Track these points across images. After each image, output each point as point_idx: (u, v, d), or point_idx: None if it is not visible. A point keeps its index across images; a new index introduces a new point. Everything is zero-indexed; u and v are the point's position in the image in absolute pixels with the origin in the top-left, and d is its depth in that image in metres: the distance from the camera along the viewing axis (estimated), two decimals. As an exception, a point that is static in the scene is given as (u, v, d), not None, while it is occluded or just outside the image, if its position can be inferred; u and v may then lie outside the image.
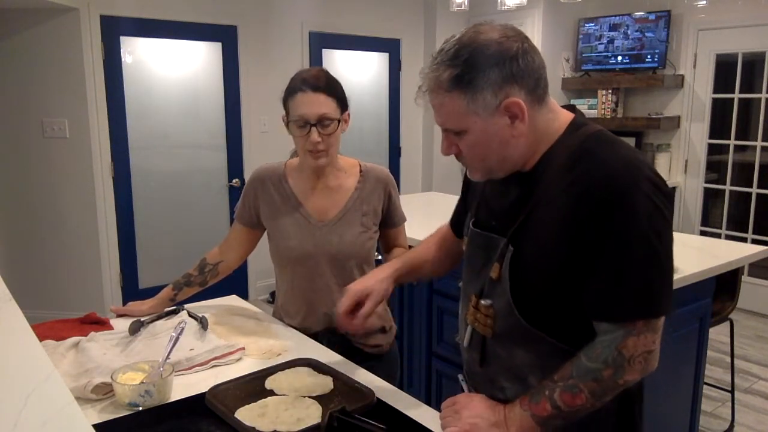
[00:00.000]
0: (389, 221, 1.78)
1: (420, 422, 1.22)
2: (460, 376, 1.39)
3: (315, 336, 1.71)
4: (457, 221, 1.46)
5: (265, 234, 1.82)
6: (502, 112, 1.06)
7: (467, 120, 1.08)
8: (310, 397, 1.30)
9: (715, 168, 4.89)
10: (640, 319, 1.04)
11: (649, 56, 4.90)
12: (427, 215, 3.33)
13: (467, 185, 1.40)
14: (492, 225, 1.20)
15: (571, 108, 1.20)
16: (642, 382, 1.19)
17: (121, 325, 1.69)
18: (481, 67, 1.04)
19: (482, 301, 1.19)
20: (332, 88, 1.62)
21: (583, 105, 5.20)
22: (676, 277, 2.13)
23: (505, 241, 1.14)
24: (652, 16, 4.84)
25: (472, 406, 1.18)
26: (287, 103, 1.64)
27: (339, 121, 1.62)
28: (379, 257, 1.86)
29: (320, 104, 1.58)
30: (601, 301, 1.06)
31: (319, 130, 1.58)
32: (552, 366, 1.12)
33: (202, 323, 1.66)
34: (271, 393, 1.33)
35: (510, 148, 1.11)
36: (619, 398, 1.13)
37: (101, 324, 1.72)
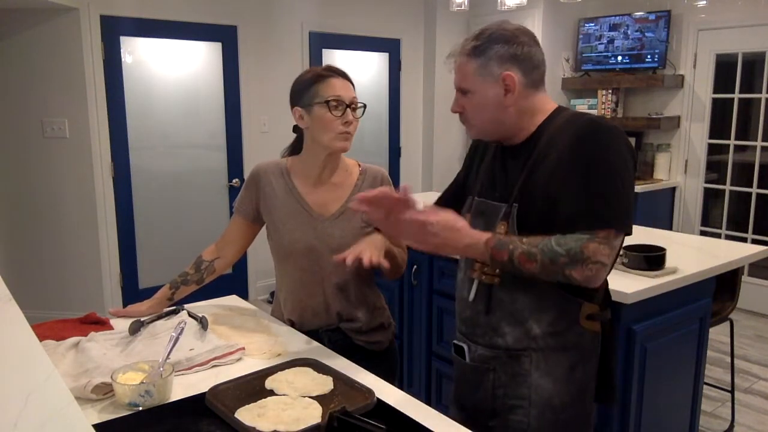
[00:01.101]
0: None
1: (420, 422, 1.22)
2: (455, 342, 1.54)
3: (315, 334, 1.71)
4: (447, 199, 1.66)
5: (263, 231, 1.83)
6: (501, 83, 1.36)
7: (475, 82, 1.38)
8: (310, 397, 1.30)
9: (715, 168, 4.89)
10: (604, 228, 1.27)
11: (649, 56, 4.90)
12: (427, 215, 3.33)
13: (467, 172, 1.60)
14: (495, 195, 1.43)
15: None
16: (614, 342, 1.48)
17: (121, 325, 1.68)
18: (495, 42, 1.36)
19: None
20: (353, 83, 1.73)
21: (583, 105, 5.20)
22: (675, 277, 2.13)
23: (507, 204, 1.38)
24: (652, 16, 4.84)
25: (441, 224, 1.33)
26: (311, 90, 1.67)
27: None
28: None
29: (350, 89, 1.70)
30: (577, 214, 1.29)
31: (351, 113, 1.68)
32: (547, 308, 1.37)
33: (202, 323, 1.66)
34: (271, 393, 1.33)
35: (501, 114, 1.39)
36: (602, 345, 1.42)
37: (101, 324, 1.72)
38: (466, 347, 1.51)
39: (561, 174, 1.31)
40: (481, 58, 1.36)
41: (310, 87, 1.67)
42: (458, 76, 1.42)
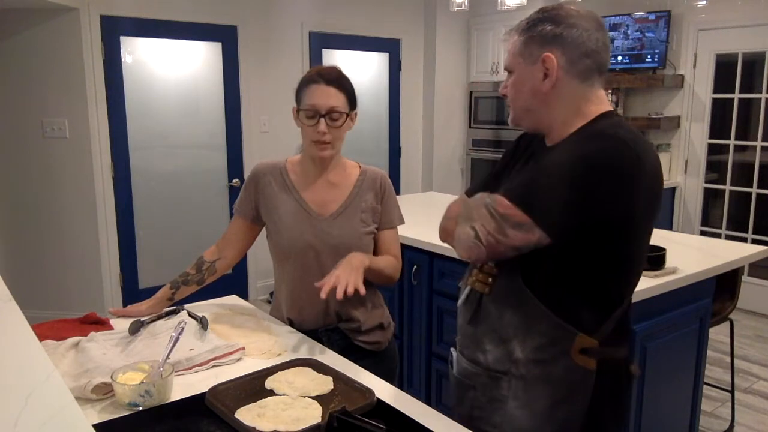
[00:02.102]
0: (382, 219, 1.78)
1: (420, 422, 1.22)
2: (452, 350, 1.47)
3: (314, 334, 1.71)
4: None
5: (263, 232, 1.83)
6: (540, 65, 1.24)
7: (516, 61, 1.29)
8: (310, 397, 1.30)
9: (715, 168, 4.89)
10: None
11: (649, 56, 4.90)
12: (427, 215, 3.33)
13: (502, 171, 1.49)
14: None
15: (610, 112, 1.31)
16: (630, 357, 1.35)
17: (121, 325, 1.68)
18: (545, 21, 1.25)
19: (488, 263, 1.31)
20: (344, 84, 1.69)
21: (583, 105, 5.19)
22: (675, 277, 2.13)
23: None
24: (652, 16, 4.84)
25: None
26: (300, 93, 1.69)
27: (347, 116, 1.69)
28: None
29: (331, 97, 1.66)
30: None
31: (328, 122, 1.65)
32: (534, 331, 1.24)
33: (202, 323, 1.66)
34: (271, 393, 1.33)
35: (535, 101, 1.27)
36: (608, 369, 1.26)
37: (101, 324, 1.72)
38: (455, 356, 1.44)
39: None
40: (526, 36, 1.26)
41: (301, 90, 1.70)
42: (507, 53, 1.32)
